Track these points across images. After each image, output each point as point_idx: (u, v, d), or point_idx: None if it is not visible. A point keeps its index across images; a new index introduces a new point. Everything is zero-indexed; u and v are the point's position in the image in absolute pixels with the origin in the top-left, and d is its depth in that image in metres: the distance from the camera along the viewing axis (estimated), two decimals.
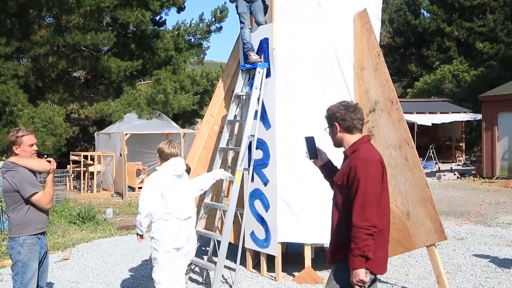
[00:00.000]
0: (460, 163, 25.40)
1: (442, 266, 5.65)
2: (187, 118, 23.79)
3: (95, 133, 19.48)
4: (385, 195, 3.19)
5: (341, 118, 3.34)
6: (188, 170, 6.09)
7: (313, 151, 3.46)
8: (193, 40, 22.50)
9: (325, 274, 6.68)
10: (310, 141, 3.46)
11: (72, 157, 17.50)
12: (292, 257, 7.19)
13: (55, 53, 17.29)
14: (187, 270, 6.24)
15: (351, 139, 3.34)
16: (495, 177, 18.46)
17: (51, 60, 17.00)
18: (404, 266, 7.06)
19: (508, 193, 15.03)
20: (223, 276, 6.29)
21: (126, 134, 15.82)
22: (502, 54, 31.41)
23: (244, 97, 6.74)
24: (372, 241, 2.98)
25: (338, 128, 3.35)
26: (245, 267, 6.86)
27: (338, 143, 3.42)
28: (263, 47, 6.48)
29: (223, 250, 5.95)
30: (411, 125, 22.04)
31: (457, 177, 19.36)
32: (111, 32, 17.86)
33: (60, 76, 18.72)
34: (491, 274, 6.59)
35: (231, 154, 6.88)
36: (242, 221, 6.46)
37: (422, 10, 37.89)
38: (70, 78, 19.74)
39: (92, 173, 16.94)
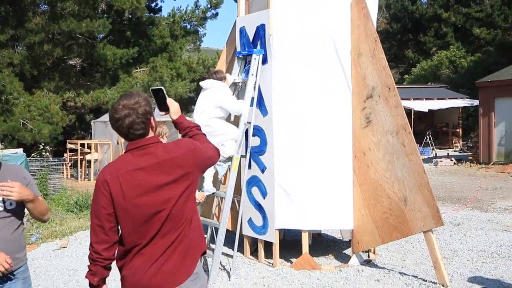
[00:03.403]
0: (457, 149, 25.46)
1: (439, 252, 5.67)
2: (184, 105, 23.73)
3: (92, 121, 19.43)
4: (124, 213, 2.61)
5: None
6: None
7: (162, 104, 2.97)
8: (189, 27, 22.41)
9: (323, 260, 6.71)
10: (156, 93, 2.96)
11: (69, 146, 17.47)
12: (290, 243, 7.22)
13: (50, 40, 17.20)
14: None
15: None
16: (492, 162, 18.52)
17: (46, 48, 16.92)
18: (401, 251, 7.09)
19: (505, 179, 15.08)
20: (220, 263, 6.31)
21: None
22: (499, 40, 31.37)
23: (240, 84, 6.72)
24: (96, 267, 2.69)
25: (152, 124, 2.74)
26: (243, 253, 6.89)
27: None
28: (260, 33, 6.44)
29: (220, 237, 5.96)
30: (408, 111, 22.05)
31: (454, 163, 19.42)
32: (107, 19, 17.77)
33: (55, 64, 18.65)
34: (488, 259, 6.63)
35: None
36: (239, 208, 6.48)
37: None
38: (65, 66, 19.67)
39: (89, 161, 16.91)
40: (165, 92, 3.00)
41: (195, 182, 2.80)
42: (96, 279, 2.72)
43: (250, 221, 6.64)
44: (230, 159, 6.25)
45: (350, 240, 6.62)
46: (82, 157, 16.83)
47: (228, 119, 6.60)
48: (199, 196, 6.16)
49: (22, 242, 3.33)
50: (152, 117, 2.72)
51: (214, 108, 6.19)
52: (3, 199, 3.13)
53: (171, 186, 2.65)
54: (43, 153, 13.41)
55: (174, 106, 3.03)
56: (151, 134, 2.72)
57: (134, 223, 2.62)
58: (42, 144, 14.59)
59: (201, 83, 6.50)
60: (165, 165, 2.65)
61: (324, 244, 7.54)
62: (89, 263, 2.72)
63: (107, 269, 2.72)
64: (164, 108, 2.97)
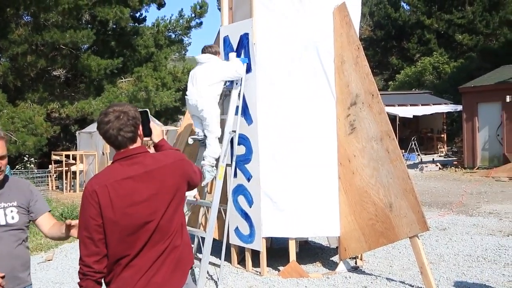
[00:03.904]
0: (442, 154, 25.66)
1: (425, 257, 5.70)
2: (170, 115, 23.73)
3: (77, 132, 19.29)
4: (112, 223, 2.56)
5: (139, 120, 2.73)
6: None
7: (145, 126, 2.89)
8: (173, 36, 22.45)
9: (310, 268, 6.71)
10: (143, 116, 2.89)
11: (53, 157, 17.31)
12: (277, 251, 7.21)
13: (33, 52, 17.10)
14: None
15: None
16: (476, 167, 18.70)
17: (29, 59, 16.82)
18: (387, 257, 7.11)
19: (489, 183, 15.23)
20: (208, 272, 6.28)
21: None
22: (481, 46, 31.80)
23: (225, 93, 6.72)
24: (87, 282, 2.57)
25: (140, 132, 2.74)
26: (230, 263, 6.86)
27: None
28: (243, 42, 6.46)
29: (207, 246, 5.93)
30: (393, 118, 22.20)
31: (439, 168, 19.56)
32: (90, 29, 17.72)
33: (39, 75, 18.53)
34: (473, 263, 6.67)
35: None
36: (226, 217, 6.46)
37: (402, 2, 38.20)
38: (49, 77, 19.55)
39: (74, 173, 16.78)
40: (149, 114, 3.01)
41: (182, 193, 2.78)
42: None
43: (237, 230, 6.62)
44: (218, 160, 6.25)
45: (337, 247, 6.63)
46: (67, 168, 16.68)
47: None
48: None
49: (26, 261, 3.10)
50: (139, 126, 2.72)
51: (217, 81, 6.20)
52: (4, 211, 2.99)
53: (160, 196, 2.63)
54: (28, 165, 13.28)
55: (156, 129, 3.05)
56: (138, 143, 2.71)
57: (121, 233, 2.57)
58: (27, 156, 14.45)
59: (197, 57, 6.46)
60: (154, 174, 2.64)
61: (311, 252, 7.54)
62: (79, 279, 2.62)
63: (99, 284, 2.62)
64: (147, 132, 2.96)
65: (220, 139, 6.33)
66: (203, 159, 6.21)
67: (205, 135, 6.31)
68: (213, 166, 6.24)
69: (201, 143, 6.49)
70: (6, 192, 3.03)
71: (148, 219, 2.60)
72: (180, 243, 2.73)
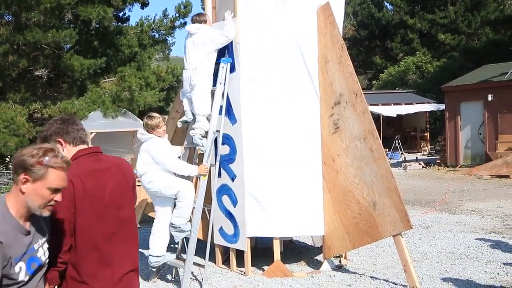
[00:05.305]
0: (425, 153, 25.88)
1: (409, 255, 5.74)
2: None
3: None
4: (88, 216, 2.63)
5: (65, 131, 2.76)
6: None
7: None
8: (157, 36, 22.28)
9: (295, 267, 6.72)
10: None
11: None
12: (261, 251, 7.20)
13: (15, 51, 16.86)
14: (157, 268, 6.21)
15: (72, 152, 2.78)
16: (459, 165, 18.89)
17: (11, 59, 16.58)
18: (371, 256, 7.15)
19: (472, 181, 15.39)
20: (192, 273, 6.26)
21: (91, 133, 15.57)
22: (464, 45, 32.10)
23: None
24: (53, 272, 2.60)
25: (63, 144, 2.75)
26: (215, 263, 6.85)
27: None
28: None
29: (191, 247, 5.92)
30: (376, 117, 22.34)
31: (423, 167, 19.72)
32: (73, 29, 17.50)
33: (21, 75, 18.27)
34: (456, 261, 6.74)
35: (198, 150, 6.83)
36: (210, 217, 6.44)
37: (385, 2, 38.41)
38: (31, 77, 19.28)
39: None
40: None
41: (133, 193, 2.98)
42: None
43: (221, 230, 6.61)
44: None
45: (321, 246, 6.65)
46: None
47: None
48: (203, 169, 6.11)
49: None
50: None
51: (209, 51, 6.30)
52: (43, 248, 2.49)
53: (120, 190, 2.83)
54: (10, 166, 13.10)
55: None
56: None
57: (92, 222, 2.68)
58: (8, 157, 14.27)
59: (187, 27, 6.59)
60: (114, 170, 2.85)
61: (296, 251, 7.55)
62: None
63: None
64: None
65: (206, 136, 6.33)
66: (193, 130, 6.29)
67: (194, 116, 6.34)
68: (203, 136, 6.26)
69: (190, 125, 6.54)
70: (39, 225, 2.48)
71: (114, 210, 2.77)
72: (137, 249, 2.95)
